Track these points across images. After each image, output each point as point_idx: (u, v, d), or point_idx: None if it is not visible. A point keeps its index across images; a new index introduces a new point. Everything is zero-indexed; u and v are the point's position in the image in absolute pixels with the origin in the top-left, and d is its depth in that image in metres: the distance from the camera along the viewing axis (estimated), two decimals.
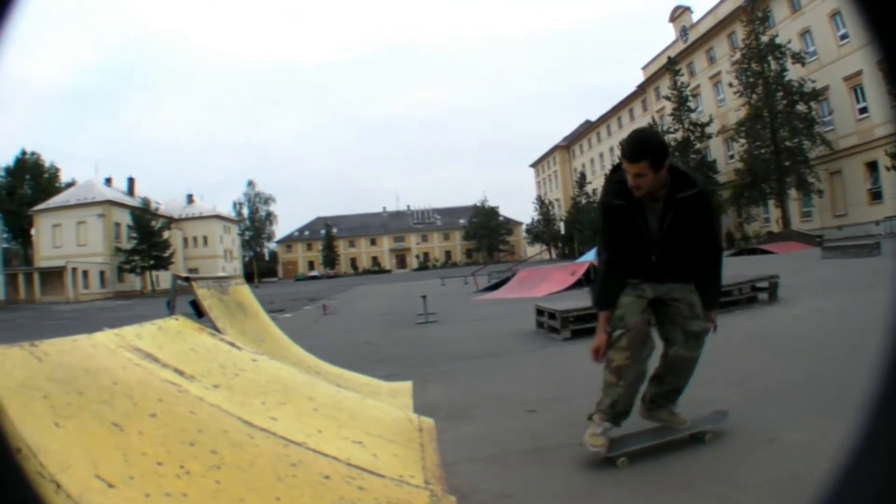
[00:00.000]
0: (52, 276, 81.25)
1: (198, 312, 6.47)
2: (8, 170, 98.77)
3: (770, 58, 58.39)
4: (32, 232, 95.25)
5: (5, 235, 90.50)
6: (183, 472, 3.34)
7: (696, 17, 77.99)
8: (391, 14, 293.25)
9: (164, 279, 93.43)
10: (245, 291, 8.14)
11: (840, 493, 1.17)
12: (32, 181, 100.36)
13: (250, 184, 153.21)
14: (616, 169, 4.76)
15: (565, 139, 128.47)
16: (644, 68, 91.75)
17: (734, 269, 20.79)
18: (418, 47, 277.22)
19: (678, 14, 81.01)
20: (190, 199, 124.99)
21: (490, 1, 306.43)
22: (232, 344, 5.81)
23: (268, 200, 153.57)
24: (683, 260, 4.72)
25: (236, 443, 3.90)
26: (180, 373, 4.65)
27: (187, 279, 6.79)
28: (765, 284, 13.68)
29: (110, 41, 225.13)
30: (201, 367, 4.94)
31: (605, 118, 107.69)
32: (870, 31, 1.13)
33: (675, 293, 4.76)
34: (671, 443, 4.87)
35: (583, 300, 13.51)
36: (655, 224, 4.60)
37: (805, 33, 57.33)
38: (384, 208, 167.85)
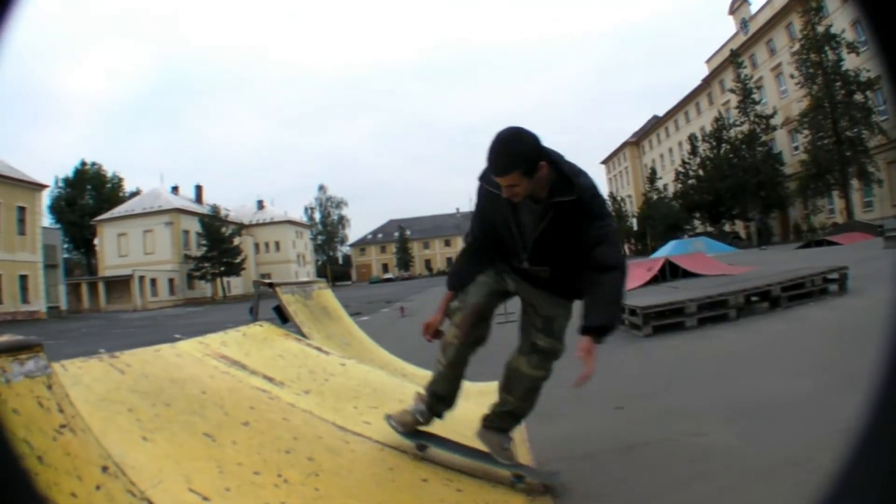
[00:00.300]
0: (119, 285, 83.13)
1: (282, 318, 6.56)
2: (67, 181, 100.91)
3: (827, 48, 58.34)
4: (95, 242, 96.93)
5: (66, 246, 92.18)
6: (281, 480, 3.39)
7: (753, 8, 77.88)
8: (458, 16, 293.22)
9: (235, 285, 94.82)
10: (328, 295, 8.23)
11: (840, 492, 1.18)
12: (94, 191, 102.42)
13: (321, 188, 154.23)
14: None
15: (634, 135, 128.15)
16: (707, 62, 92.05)
17: (804, 262, 20.52)
18: (485, 49, 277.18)
19: (737, 6, 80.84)
20: (260, 204, 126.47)
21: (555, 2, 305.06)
22: (319, 349, 5.89)
23: (340, 204, 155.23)
24: (561, 272, 4.26)
25: (332, 449, 3.96)
26: (270, 379, 4.73)
27: (271, 285, 6.87)
28: (835, 276, 13.76)
29: (175, 52, 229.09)
30: (290, 373, 5.01)
31: (672, 113, 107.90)
32: (874, 43, 1.16)
33: (537, 300, 4.41)
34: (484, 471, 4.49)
35: (662, 296, 13.63)
36: (530, 225, 4.11)
37: (857, 23, 56.58)
38: (457, 209, 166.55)
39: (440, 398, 4.63)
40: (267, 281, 7.04)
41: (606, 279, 3.97)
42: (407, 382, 6.40)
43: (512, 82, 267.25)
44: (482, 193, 4.27)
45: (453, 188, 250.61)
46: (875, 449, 1.15)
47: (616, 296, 4.05)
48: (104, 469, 2.66)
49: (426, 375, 7.76)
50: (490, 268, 4.51)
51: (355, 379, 5.43)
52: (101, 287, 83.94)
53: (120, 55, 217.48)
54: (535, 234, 4.07)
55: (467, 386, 7.67)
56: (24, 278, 62.03)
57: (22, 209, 62.72)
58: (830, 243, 41.09)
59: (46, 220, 78.81)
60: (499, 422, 4.62)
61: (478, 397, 6.95)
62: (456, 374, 4.58)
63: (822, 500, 1.20)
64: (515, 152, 3.81)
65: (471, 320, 4.41)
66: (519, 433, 5.42)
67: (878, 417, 1.17)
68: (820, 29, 58.51)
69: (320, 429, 4.20)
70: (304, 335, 6.39)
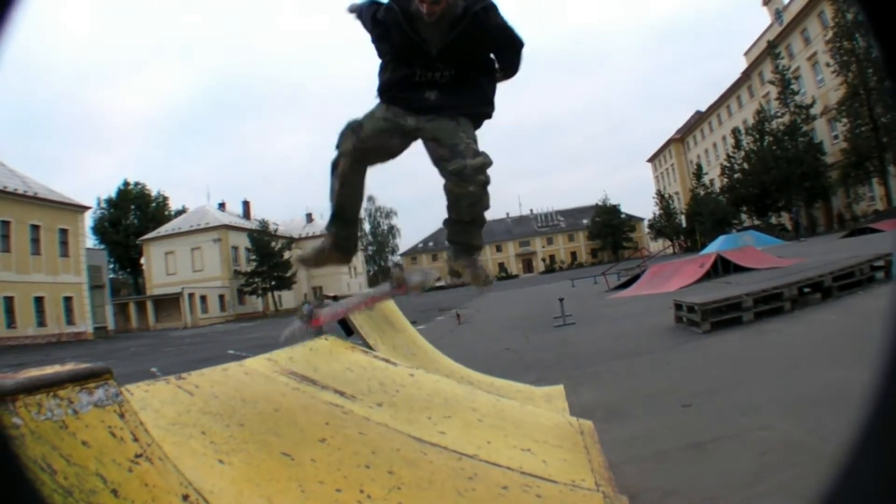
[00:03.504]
0: (168, 303, 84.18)
1: (346, 330, 6.56)
2: (110, 201, 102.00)
3: (857, 35, 57.84)
4: (142, 261, 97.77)
5: (112, 266, 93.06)
6: (364, 496, 3.37)
7: None
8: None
9: (286, 299, 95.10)
10: (390, 305, 8.21)
11: (840, 493, 1.17)
12: (139, 211, 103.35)
13: (370, 199, 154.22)
14: None
15: (679, 131, 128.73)
16: (746, 54, 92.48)
17: (850, 251, 20.30)
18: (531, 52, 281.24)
19: None
20: (309, 217, 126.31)
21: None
22: (386, 360, 5.89)
23: (389, 214, 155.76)
24: (465, 85, 4.55)
25: (411, 461, 3.95)
26: (341, 394, 4.74)
27: (335, 297, 6.87)
28: (880, 263, 13.80)
29: (224, 66, 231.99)
30: (361, 387, 5.01)
31: (714, 107, 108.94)
32: (872, 34, 1.15)
33: (439, 133, 4.53)
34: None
35: (717, 292, 13.70)
36: (438, 36, 4.33)
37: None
38: (507, 214, 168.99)
39: (344, 220, 4.95)
40: (331, 294, 7.06)
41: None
42: (476, 390, 6.39)
43: (558, 84, 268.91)
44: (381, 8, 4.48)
45: (503, 193, 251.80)
46: (875, 449, 1.14)
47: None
48: (184, 498, 2.63)
49: (492, 381, 7.86)
50: (391, 108, 4.63)
51: (426, 389, 5.42)
52: (149, 306, 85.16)
53: (166, 72, 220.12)
54: (447, 41, 4.32)
55: (532, 391, 7.71)
56: (68, 300, 62.97)
57: (64, 231, 63.53)
58: (873, 231, 41.17)
59: (90, 241, 79.79)
60: (458, 246, 4.87)
61: (545, 403, 6.95)
62: (351, 197, 4.87)
63: (821, 500, 1.17)
64: None
65: (355, 154, 4.61)
66: (589, 436, 5.41)
67: (878, 417, 1.17)
68: (849, 16, 57.94)
69: (397, 441, 4.20)
70: (370, 347, 6.42)
